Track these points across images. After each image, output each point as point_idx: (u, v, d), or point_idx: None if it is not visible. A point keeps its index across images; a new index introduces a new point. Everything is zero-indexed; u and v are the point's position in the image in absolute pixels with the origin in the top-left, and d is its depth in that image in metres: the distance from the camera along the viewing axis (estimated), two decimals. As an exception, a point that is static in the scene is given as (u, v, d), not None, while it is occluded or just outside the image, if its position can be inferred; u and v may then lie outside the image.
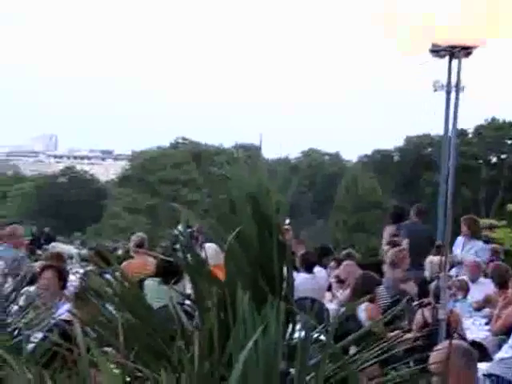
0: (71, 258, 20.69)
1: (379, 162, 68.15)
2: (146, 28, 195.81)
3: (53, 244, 24.72)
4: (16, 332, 4.05)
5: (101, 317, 3.17)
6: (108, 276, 3.36)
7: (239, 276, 3.04)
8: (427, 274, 10.63)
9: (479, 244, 11.86)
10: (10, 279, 6.25)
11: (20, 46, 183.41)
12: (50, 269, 7.65)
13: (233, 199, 3.27)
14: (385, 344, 3.24)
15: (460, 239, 11.81)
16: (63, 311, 4.76)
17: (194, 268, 3.18)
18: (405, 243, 11.41)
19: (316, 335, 3.13)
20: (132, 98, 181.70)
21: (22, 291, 6.03)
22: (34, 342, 3.93)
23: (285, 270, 3.26)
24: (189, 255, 3.20)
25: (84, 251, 25.18)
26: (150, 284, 8.60)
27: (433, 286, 8.48)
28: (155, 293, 7.65)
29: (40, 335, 3.92)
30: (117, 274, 3.39)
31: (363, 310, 8.14)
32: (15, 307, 4.65)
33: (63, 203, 75.63)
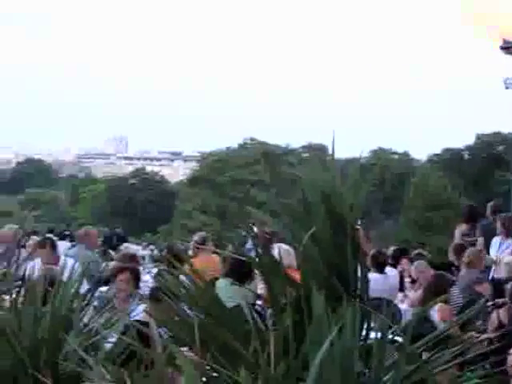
0: (143, 258, 20.90)
1: (449, 160, 67.19)
2: (215, 26, 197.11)
3: (125, 245, 25.02)
4: (93, 332, 4.11)
5: (176, 317, 3.19)
6: (182, 276, 3.38)
7: (314, 276, 3.03)
8: (503, 274, 10.40)
9: None
10: (84, 280, 6.34)
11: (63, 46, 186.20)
12: (125, 271, 7.74)
13: (306, 200, 3.25)
14: (460, 346, 3.19)
15: (496, 239, 11.39)
16: (138, 312, 4.82)
17: (268, 268, 3.18)
18: (480, 242, 11.17)
19: (390, 336, 3.10)
20: (200, 99, 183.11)
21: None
22: (110, 342, 3.98)
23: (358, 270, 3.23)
24: (263, 256, 3.20)
25: (156, 252, 25.43)
26: (222, 284, 8.62)
27: (509, 286, 8.29)
28: (226, 293, 7.66)
29: (116, 335, 3.97)
30: (191, 273, 3.41)
31: (436, 311, 8.03)
32: (91, 308, 4.71)
33: (134, 204, 76.62)
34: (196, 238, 11.73)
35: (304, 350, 2.79)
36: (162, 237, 58.05)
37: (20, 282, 5.48)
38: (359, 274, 3.22)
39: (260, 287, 9.51)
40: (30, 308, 4.04)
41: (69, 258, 9.30)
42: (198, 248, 11.12)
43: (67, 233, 25.62)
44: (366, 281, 3.21)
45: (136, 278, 7.84)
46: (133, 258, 10.31)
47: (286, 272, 3.14)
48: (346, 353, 2.66)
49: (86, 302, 4.60)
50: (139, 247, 26.96)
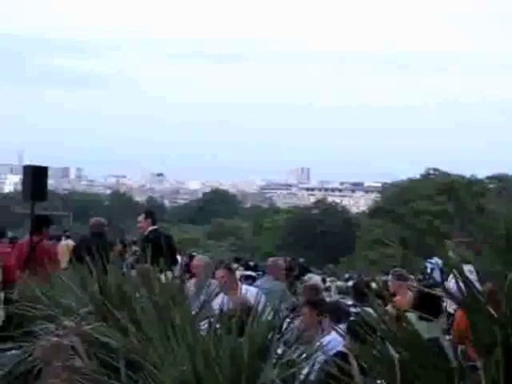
0: (328, 289, 20.94)
1: None
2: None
3: (308, 275, 25.17)
4: (289, 363, 4.15)
5: (375, 352, 3.16)
6: (378, 310, 3.35)
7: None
8: None
9: None
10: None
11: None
12: (308, 303, 7.76)
13: (510, 234, 3.15)
14: None
15: None
16: (334, 345, 4.83)
17: (471, 304, 3.09)
18: None
19: None
20: (381, 131, 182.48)
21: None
22: (306, 374, 4.01)
23: None
24: (465, 290, 3.11)
25: (340, 283, 25.41)
26: (410, 317, 8.44)
27: None
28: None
29: (313, 367, 4.00)
30: (388, 308, 3.38)
31: None
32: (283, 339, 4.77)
33: (316, 235, 76.95)
34: (397, 272, 11.46)
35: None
36: (344, 267, 57.92)
37: (215, 311, 5.64)
38: None
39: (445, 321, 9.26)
40: (228, 337, 4.14)
41: (256, 289, 9.45)
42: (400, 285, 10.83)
43: (251, 263, 26.14)
44: None
45: (318, 309, 7.82)
46: (314, 288, 10.25)
47: (490, 309, 3.04)
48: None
49: (279, 333, 4.66)
50: (318, 277, 27.00)
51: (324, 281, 26.06)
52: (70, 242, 17.90)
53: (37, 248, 11.22)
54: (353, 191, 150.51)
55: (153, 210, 18.91)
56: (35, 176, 11.62)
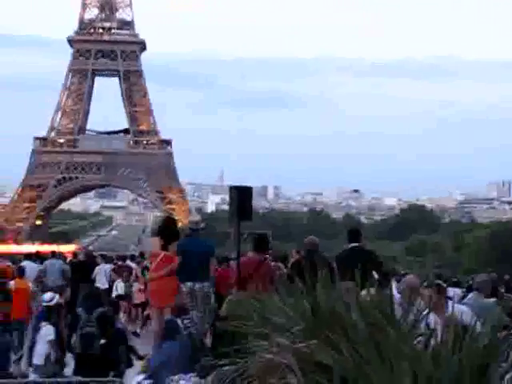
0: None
1: None
2: None
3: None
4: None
5: None
6: None
7: None
8: None
9: None
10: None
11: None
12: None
13: None
14: None
15: None
16: None
17: None
18: None
19: None
20: None
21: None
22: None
23: None
24: None
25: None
26: None
27: None
28: None
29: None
30: None
31: None
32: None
33: (519, 250, 73.96)
34: None
35: None
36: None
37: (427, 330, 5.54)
38: None
39: None
40: (446, 355, 4.08)
41: (466, 307, 9.19)
42: None
43: (454, 279, 25.50)
44: None
45: None
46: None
47: None
48: None
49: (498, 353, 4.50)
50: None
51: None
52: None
53: (261, 266, 11.55)
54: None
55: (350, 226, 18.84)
56: (240, 197, 11.92)
